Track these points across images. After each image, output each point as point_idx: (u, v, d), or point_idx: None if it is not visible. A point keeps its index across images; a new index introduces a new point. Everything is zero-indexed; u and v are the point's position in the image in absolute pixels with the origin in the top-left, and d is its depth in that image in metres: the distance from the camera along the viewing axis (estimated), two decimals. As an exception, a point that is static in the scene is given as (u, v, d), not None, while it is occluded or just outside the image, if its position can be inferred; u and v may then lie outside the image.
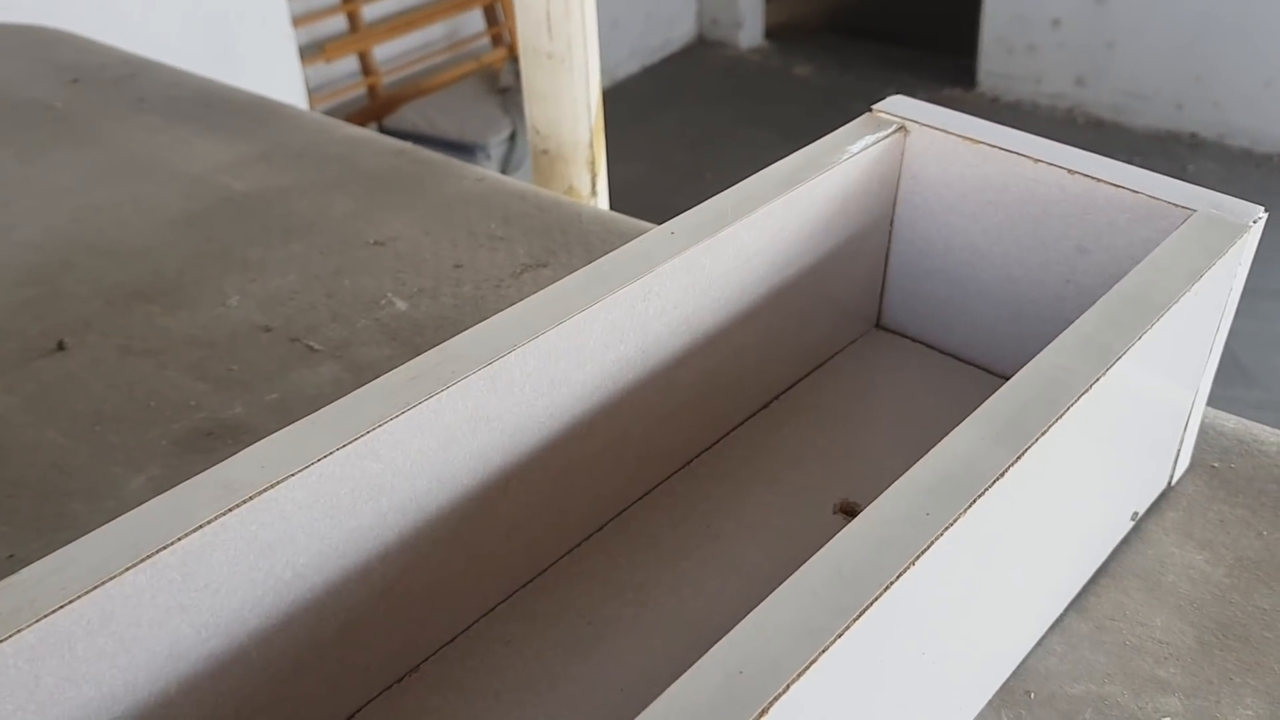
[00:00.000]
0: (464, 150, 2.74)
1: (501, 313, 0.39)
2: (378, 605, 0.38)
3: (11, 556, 0.49)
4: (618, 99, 3.66)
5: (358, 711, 0.39)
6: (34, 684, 0.29)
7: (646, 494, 0.47)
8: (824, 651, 0.27)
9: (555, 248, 0.72)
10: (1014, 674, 0.42)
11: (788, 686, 0.27)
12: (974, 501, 0.31)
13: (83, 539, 0.31)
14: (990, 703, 0.41)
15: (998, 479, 0.32)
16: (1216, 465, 0.51)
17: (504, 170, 2.74)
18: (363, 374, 0.60)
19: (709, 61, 3.96)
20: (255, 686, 0.35)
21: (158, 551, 0.30)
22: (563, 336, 0.39)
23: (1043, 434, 0.33)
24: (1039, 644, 0.43)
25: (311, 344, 0.63)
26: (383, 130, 2.87)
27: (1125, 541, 0.47)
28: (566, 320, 0.39)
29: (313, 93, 2.75)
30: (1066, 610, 0.44)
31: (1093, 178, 0.47)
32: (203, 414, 0.58)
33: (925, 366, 0.55)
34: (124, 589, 0.30)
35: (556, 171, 0.93)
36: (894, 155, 0.52)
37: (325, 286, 0.69)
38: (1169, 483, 0.49)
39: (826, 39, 4.06)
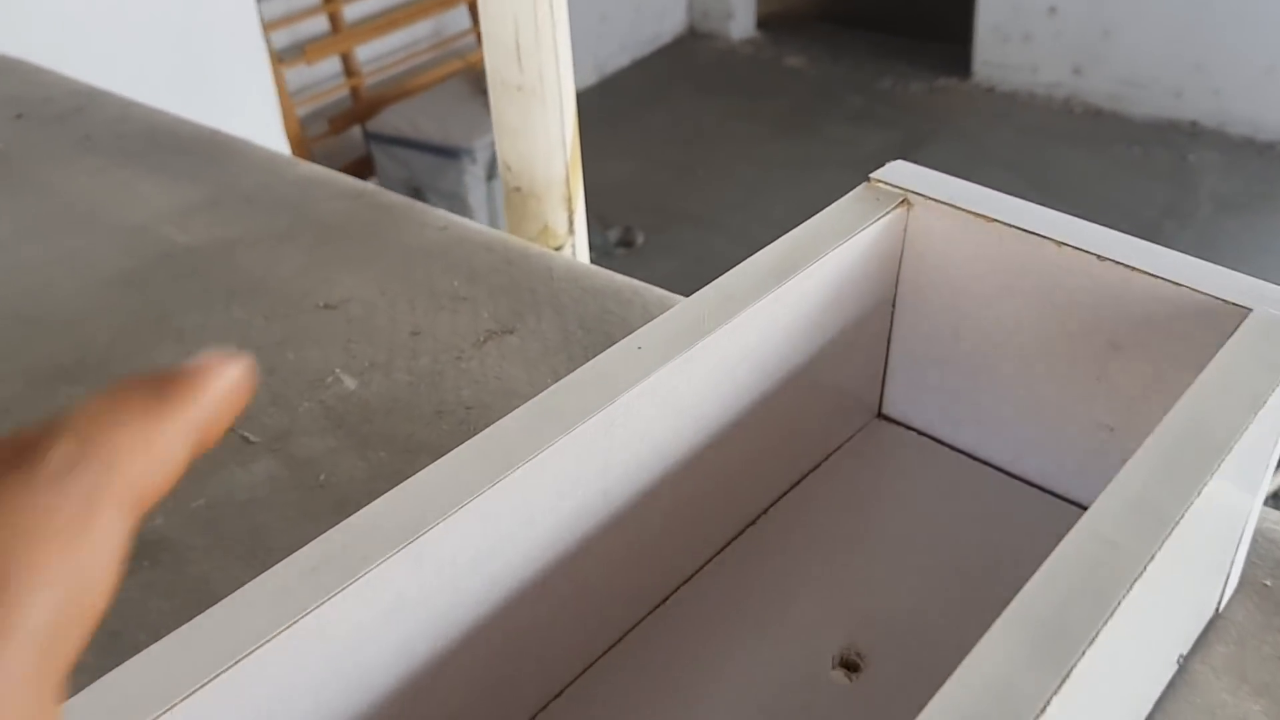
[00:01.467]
0: (449, 154, 2.67)
1: (425, 469, 0.33)
2: None
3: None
4: (607, 93, 3.59)
5: None
6: None
7: (607, 651, 0.41)
8: None
9: (524, 310, 0.66)
10: None
11: None
12: (1010, 743, 0.25)
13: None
14: None
15: (1041, 712, 0.25)
16: (1269, 583, 0.44)
17: (490, 175, 2.67)
18: (301, 470, 0.54)
19: (700, 54, 3.88)
20: None
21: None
22: (503, 495, 0.33)
23: (1091, 641, 0.27)
24: (1075, 826, 0.37)
25: (247, 435, 0.56)
26: (366, 134, 2.79)
27: (1170, 687, 0.41)
28: (508, 475, 0.33)
29: (294, 96, 2.68)
30: (1105, 780, 0.38)
31: (1126, 265, 0.41)
32: (120, 526, 0.51)
33: (932, 464, 0.48)
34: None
35: (530, 210, 0.86)
36: (896, 232, 0.45)
37: (267, 361, 0.62)
38: (1216, 609, 0.43)
39: (819, 29, 3.98)
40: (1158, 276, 0.40)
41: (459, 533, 0.32)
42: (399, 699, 0.32)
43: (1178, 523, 0.30)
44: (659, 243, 2.86)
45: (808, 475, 0.48)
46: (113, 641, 0.43)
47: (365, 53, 2.88)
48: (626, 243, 2.80)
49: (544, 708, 0.38)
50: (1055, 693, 0.26)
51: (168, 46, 1.69)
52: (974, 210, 0.43)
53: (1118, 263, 0.41)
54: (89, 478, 0.16)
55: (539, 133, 0.83)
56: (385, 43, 2.95)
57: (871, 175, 0.46)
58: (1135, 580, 0.28)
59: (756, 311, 0.40)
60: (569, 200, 0.87)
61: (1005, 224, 0.43)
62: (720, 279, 0.41)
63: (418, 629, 0.32)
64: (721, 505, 0.44)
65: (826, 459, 0.49)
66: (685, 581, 0.43)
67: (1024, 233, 0.42)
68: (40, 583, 0.14)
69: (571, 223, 0.88)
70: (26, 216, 0.79)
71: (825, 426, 0.48)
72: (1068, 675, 0.26)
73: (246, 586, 0.29)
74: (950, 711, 0.25)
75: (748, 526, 0.45)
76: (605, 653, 0.40)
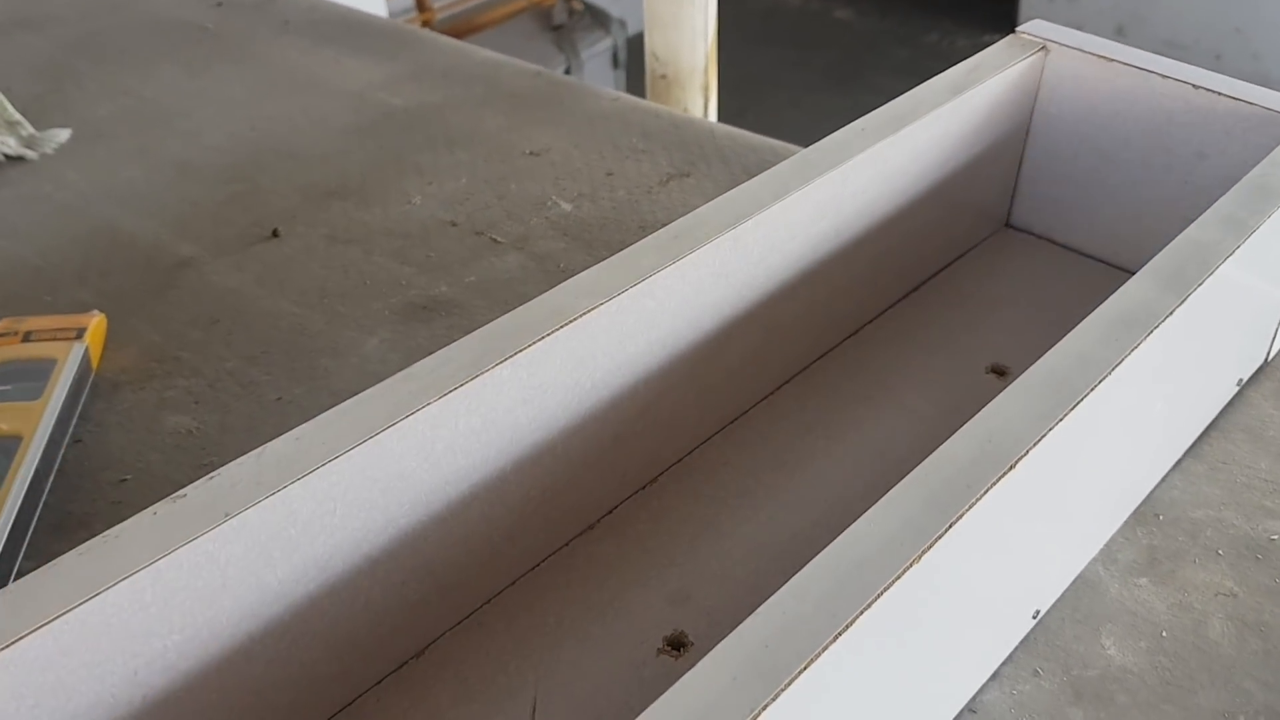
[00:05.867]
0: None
1: (732, 190, 0.48)
2: (640, 419, 0.46)
3: (279, 399, 0.58)
4: (662, 40, 3.69)
5: (615, 508, 0.48)
6: (430, 446, 0.38)
7: (826, 353, 0.56)
8: (1033, 450, 0.36)
9: (695, 160, 0.80)
10: (1144, 502, 0.50)
11: (1014, 464, 0.35)
12: (1151, 331, 0.39)
13: (454, 344, 0.39)
14: (1127, 522, 0.49)
15: (1168, 316, 0.40)
16: (1306, 346, 0.59)
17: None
18: (545, 263, 0.69)
19: (749, 5, 3.99)
20: (556, 477, 0.44)
21: (514, 354, 0.39)
22: (782, 210, 0.48)
23: (1199, 284, 0.42)
24: (1162, 481, 0.51)
25: (495, 237, 0.71)
26: (438, 66, 2.92)
27: (1230, 404, 0.55)
28: (785, 197, 0.48)
29: (372, 27, 2.81)
30: (1184, 456, 0.53)
31: (1214, 92, 0.55)
32: (414, 291, 0.66)
33: (1052, 260, 0.63)
34: (494, 379, 0.38)
35: (673, 95, 1.00)
36: (1035, 72, 0.59)
37: (495, 190, 0.77)
38: (1266, 359, 0.57)
39: (868, -17, 4.07)
40: (1238, 99, 0.54)
41: (755, 230, 0.46)
42: (710, 344, 0.47)
43: (1254, 231, 0.45)
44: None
45: (951, 264, 0.62)
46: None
47: (438, -12, 3.00)
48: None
49: (781, 386, 0.54)
50: (1173, 311, 0.40)
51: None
52: (1098, 53, 0.58)
53: (1208, 89, 0.55)
54: None
55: (686, 26, 0.97)
56: (456, -21, 3.07)
57: (1018, 29, 0.60)
58: (1228, 256, 0.43)
59: (937, 115, 0.54)
60: (706, 88, 1.01)
61: (1122, 63, 0.57)
62: (909, 93, 0.55)
63: (726, 295, 0.47)
64: (898, 266, 0.58)
65: (964, 254, 0.63)
66: (870, 321, 0.58)
67: (1136, 69, 0.57)
68: None
69: (707, 108, 1.02)
70: (256, 81, 0.93)
71: (968, 228, 0.63)
72: (1185, 298, 0.41)
73: (632, 246, 0.44)
74: (1106, 317, 0.40)
75: (911, 292, 0.60)
76: (822, 357, 0.55)
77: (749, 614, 0.31)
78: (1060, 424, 0.36)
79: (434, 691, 0.40)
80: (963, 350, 0.56)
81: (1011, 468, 0.34)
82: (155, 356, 0.62)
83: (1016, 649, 0.44)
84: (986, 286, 0.61)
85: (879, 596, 0.30)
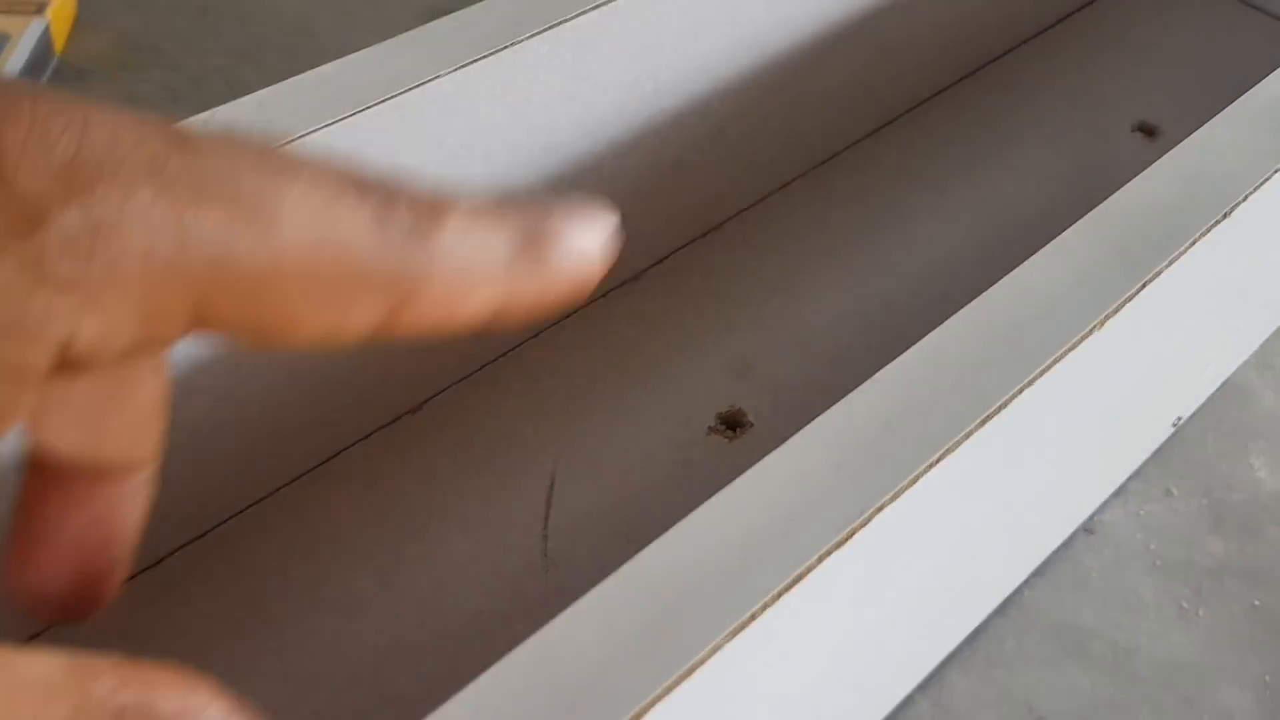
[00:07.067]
0: None
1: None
2: (709, 145, 0.37)
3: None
4: None
5: (666, 257, 0.39)
6: (440, 138, 0.29)
7: (938, 93, 0.46)
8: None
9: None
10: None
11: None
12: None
13: (479, 4, 0.30)
14: (1289, 323, 0.40)
15: None
16: None
17: None
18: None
19: None
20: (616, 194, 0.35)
21: (558, 23, 0.29)
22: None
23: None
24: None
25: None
26: None
27: None
28: None
29: None
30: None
31: None
32: (440, -6, 0.56)
33: (1209, 8, 0.51)
34: (527, 55, 0.29)
35: None
36: None
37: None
38: None
39: None
40: None
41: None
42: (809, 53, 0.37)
43: None
44: None
45: (1088, 7, 0.51)
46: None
47: None
48: None
49: (881, 128, 0.44)
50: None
51: None
52: None
53: None
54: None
55: None
56: None
57: None
58: None
59: None
60: None
61: None
62: None
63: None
64: (1002, 18, 0.47)
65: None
66: (995, 60, 0.47)
67: None
68: None
69: None
70: None
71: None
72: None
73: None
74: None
75: (1046, 29, 0.49)
76: (933, 96, 0.45)
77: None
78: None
79: (429, 455, 0.32)
80: (1103, 102, 0.46)
81: (1226, 215, 0.25)
82: (130, 45, 0.52)
83: (1147, 461, 0.36)
84: (1133, 32, 0.50)
85: (1047, 369, 0.22)
